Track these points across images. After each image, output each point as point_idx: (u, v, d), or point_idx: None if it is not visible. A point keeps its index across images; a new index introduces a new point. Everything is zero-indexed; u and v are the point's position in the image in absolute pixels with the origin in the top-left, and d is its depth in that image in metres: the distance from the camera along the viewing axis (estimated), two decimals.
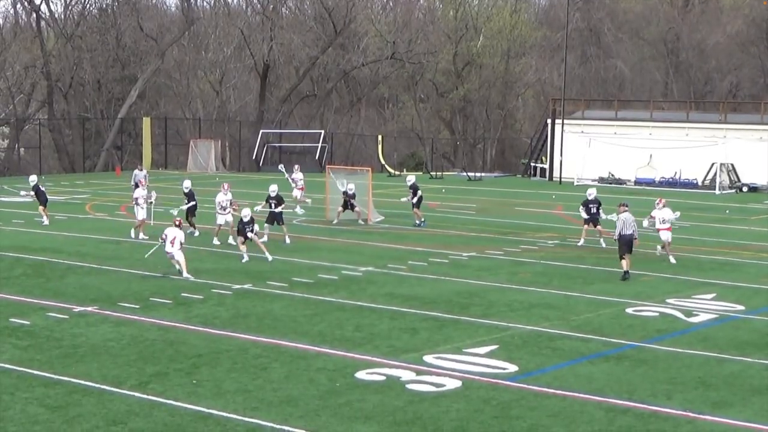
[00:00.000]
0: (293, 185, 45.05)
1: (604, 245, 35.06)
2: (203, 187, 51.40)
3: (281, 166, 49.39)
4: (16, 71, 79.33)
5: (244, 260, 30.73)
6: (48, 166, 74.95)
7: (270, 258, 30.74)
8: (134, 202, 36.49)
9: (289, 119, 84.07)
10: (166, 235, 28.14)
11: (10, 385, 17.54)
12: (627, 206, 29.90)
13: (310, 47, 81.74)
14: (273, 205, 35.48)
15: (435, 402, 17.00)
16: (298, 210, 43.77)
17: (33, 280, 27.62)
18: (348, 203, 40.78)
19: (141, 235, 35.44)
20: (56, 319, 22.74)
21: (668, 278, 29.47)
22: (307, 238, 36.70)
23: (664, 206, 32.24)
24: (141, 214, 36.02)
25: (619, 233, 28.97)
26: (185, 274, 27.91)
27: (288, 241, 34.89)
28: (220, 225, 35.10)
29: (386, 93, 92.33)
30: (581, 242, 35.89)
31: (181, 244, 28.13)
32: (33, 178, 40.81)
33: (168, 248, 28.05)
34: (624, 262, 28.92)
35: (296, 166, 47.48)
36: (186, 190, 37.28)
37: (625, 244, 28.93)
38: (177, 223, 28.69)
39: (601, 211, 36.06)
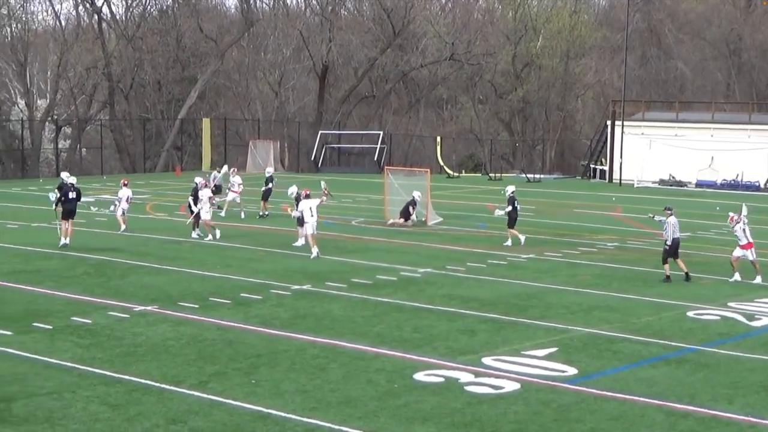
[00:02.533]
0: (230, 188, 44.40)
1: None
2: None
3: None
4: (78, 72, 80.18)
5: (313, 256, 31.76)
6: (109, 166, 75.69)
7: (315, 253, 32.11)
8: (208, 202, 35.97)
9: (347, 120, 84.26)
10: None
11: (71, 384, 17.71)
12: (672, 210, 29.55)
13: (368, 48, 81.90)
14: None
15: (493, 404, 16.94)
16: (222, 213, 42.47)
17: (94, 280, 27.87)
18: (407, 212, 40.62)
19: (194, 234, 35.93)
20: (117, 318, 22.93)
21: (730, 282, 29.16)
22: (365, 239, 36.75)
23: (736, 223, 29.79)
24: (207, 214, 35.75)
25: (672, 238, 28.73)
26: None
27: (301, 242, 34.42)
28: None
29: (445, 94, 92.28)
30: None
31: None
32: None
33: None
34: (667, 267, 28.76)
35: (233, 170, 46.73)
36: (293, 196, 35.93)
37: (676, 248, 28.78)
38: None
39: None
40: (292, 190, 35.49)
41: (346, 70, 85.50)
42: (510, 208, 35.88)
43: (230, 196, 44.07)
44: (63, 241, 33.38)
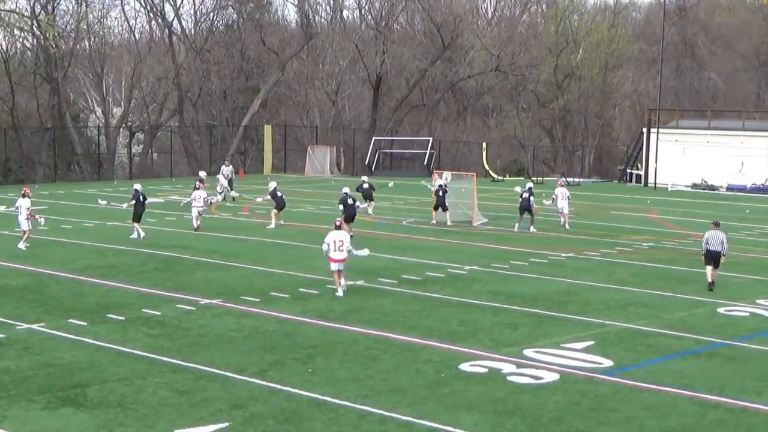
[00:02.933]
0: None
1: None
2: (320, 189, 51.76)
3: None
4: (150, 82, 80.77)
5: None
6: (178, 170, 76.15)
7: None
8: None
9: (399, 127, 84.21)
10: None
11: (142, 371, 17.85)
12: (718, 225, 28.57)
13: (419, 60, 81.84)
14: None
15: (534, 393, 16.87)
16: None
17: (164, 274, 28.07)
18: (440, 203, 40.73)
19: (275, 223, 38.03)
20: (184, 311, 23.07)
21: (759, 280, 28.88)
22: (414, 238, 36.72)
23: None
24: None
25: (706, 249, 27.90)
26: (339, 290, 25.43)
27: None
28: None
29: (491, 103, 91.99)
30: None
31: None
32: (272, 185, 41.14)
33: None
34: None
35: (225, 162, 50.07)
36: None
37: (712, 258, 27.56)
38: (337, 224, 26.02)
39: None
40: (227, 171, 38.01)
41: (399, 81, 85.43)
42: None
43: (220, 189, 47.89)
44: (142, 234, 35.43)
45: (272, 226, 38.87)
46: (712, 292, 26.78)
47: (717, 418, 15.77)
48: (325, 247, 25.31)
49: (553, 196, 41.53)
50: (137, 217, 35.50)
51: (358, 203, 37.63)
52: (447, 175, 44.69)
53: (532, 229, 39.28)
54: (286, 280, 27.24)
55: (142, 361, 18.49)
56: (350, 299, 24.78)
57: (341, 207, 36.53)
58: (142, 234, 35.21)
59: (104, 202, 44.20)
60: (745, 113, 74.34)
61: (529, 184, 41.66)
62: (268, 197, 40.31)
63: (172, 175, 71.87)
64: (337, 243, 25.15)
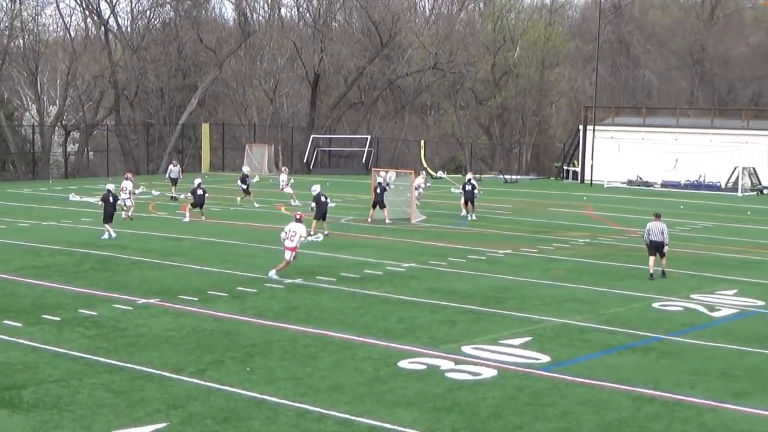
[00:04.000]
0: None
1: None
2: (258, 188, 51.61)
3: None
4: (86, 80, 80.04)
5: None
6: (115, 168, 75.44)
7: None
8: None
9: (337, 125, 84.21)
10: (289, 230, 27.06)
11: (78, 371, 17.67)
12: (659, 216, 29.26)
13: (357, 58, 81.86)
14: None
15: (472, 390, 16.95)
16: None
17: (100, 274, 27.81)
18: (378, 201, 40.91)
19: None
20: (121, 311, 22.88)
21: (692, 275, 29.26)
22: (352, 236, 36.73)
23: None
24: None
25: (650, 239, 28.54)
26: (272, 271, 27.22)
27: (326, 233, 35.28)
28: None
29: (429, 101, 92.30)
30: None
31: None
32: (197, 180, 42.31)
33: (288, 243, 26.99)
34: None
35: (284, 168, 49.40)
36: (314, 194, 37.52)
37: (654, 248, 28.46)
38: (298, 217, 27.59)
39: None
40: (315, 188, 37.58)
41: (337, 79, 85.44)
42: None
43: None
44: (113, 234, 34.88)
45: (187, 219, 40.27)
46: (650, 282, 27.27)
47: (652, 412, 15.95)
48: (282, 235, 27.32)
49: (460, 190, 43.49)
50: (108, 218, 34.81)
51: (329, 200, 37.67)
52: (392, 174, 45.17)
53: (472, 217, 41.68)
54: (224, 279, 27.12)
55: (78, 362, 18.30)
56: (288, 297, 24.73)
57: (313, 204, 36.94)
58: (113, 234, 34.63)
59: (77, 197, 44.10)
60: (679, 110, 75.31)
61: (469, 176, 43.08)
62: (189, 195, 41.92)
63: (109, 174, 71.14)
64: (290, 233, 26.91)
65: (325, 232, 35.29)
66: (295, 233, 26.91)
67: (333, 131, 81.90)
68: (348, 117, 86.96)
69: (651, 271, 28.24)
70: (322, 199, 36.73)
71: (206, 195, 41.71)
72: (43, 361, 18.35)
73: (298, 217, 27.67)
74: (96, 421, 15.02)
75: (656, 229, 28.23)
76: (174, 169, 51.98)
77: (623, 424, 15.36)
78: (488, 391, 16.84)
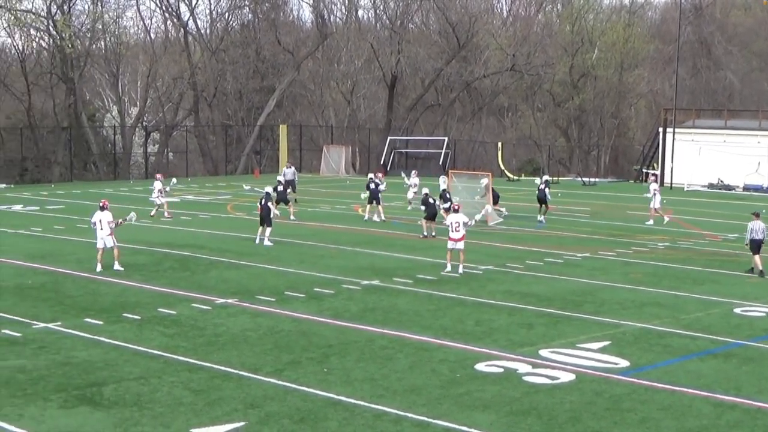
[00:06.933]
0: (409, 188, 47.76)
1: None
2: (335, 189, 51.80)
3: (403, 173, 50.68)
4: (166, 82, 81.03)
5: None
6: (193, 169, 76.31)
7: None
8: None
9: (414, 127, 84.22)
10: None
11: (158, 370, 17.87)
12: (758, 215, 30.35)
13: (435, 60, 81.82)
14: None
15: (550, 393, 16.84)
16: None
17: (179, 274, 28.10)
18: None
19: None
20: (200, 310, 23.10)
21: None
22: (429, 237, 36.64)
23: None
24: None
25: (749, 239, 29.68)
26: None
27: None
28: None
29: (506, 102, 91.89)
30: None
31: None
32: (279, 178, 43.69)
33: None
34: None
35: (413, 171, 48.85)
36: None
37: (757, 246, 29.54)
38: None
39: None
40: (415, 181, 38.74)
41: (414, 80, 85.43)
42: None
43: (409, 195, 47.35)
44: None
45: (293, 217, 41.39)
46: (731, 286, 27.44)
47: (734, 419, 15.70)
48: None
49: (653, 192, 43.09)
50: (262, 221, 34.49)
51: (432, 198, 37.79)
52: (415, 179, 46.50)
53: (540, 218, 41.39)
54: (301, 280, 27.25)
55: (157, 361, 18.52)
56: (365, 299, 24.79)
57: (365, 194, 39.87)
58: (268, 243, 34.26)
59: (248, 187, 45.74)
60: (762, 112, 74.00)
61: (546, 177, 42.96)
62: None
63: (188, 174, 71.96)
64: (454, 225, 29.10)
65: (433, 234, 35.49)
66: (458, 223, 28.93)
67: (410, 133, 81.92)
68: (425, 119, 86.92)
69: (760, 268, 29.13)
70: (430, 200, 37.05)
71: (287, 192, 42.58)
72: (124, 358, 18.59)
73: (456, 208, 30.25)
74: (175, 419, 15.17)
75: (759, 228, 29.37)
76: (288, 171, 50.32)
77: (704, 431, 15.14)
78: (566, 395, 16.71)
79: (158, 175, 44.03)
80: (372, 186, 41.52)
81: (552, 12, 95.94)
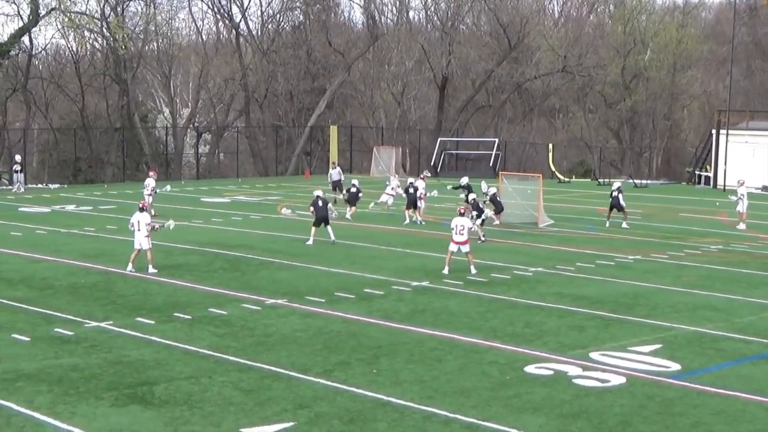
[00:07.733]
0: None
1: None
2: (381, 191, 51.78)
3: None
4: (217, 83, 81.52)
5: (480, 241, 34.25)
6: (244, 169, 76.68)
7: None
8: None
9: (465, 128, 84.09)
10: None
11: (208, 369, 17.97)
12: None
13: (485, 61, 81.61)
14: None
15: (600, 397, 16.73)
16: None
17: (230, 274, 28.25)
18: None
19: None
20: (250, 311, 23.20)
21: None
22: (479, 239, 36.56)
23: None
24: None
25: None
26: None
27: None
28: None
29: (557, 104, 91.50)
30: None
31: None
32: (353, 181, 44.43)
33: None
34: None
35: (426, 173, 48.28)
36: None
37: None
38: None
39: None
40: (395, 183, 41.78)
41: (465, 81, 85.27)
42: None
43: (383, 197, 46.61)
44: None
45: (348, 216, 42.15)
46: None
47: None
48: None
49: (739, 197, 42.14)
50: (318, 221, 34.58)
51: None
52: (422, 180, 43.99)
53: (624, 225, 40.80)
54: (351, 281, 27.29)
55: (208, 360, 18.62)
56: (416, 300, 24.78)
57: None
58: (332, 238, 34.48)
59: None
60: None
61: (618, 183, 42.44)
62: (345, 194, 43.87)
63: (239, 175, 72.36)
64: (458, 228, 28.79)
65: (483, 239, 35.42)
66: (463, 227, 28.68)
67: (460, 134, 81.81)
68: (475, 120, 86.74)
69: None
70: (411, 190, 38.75)
71: (360, 194, 43.23)
72: (174, 358, 18.72)
73: (461, 211, 29.81)
74: (225, 418, 15.25)
75: None
76: (334, 172, 50.90)
77: None
78: (617, 399, 16.60)
79: (151, 173, 44.28)
80: (411, 191, 41.49)
81: (604, 13, 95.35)
